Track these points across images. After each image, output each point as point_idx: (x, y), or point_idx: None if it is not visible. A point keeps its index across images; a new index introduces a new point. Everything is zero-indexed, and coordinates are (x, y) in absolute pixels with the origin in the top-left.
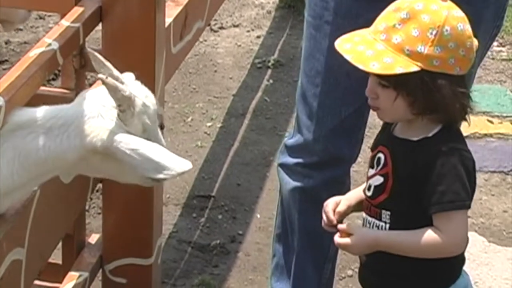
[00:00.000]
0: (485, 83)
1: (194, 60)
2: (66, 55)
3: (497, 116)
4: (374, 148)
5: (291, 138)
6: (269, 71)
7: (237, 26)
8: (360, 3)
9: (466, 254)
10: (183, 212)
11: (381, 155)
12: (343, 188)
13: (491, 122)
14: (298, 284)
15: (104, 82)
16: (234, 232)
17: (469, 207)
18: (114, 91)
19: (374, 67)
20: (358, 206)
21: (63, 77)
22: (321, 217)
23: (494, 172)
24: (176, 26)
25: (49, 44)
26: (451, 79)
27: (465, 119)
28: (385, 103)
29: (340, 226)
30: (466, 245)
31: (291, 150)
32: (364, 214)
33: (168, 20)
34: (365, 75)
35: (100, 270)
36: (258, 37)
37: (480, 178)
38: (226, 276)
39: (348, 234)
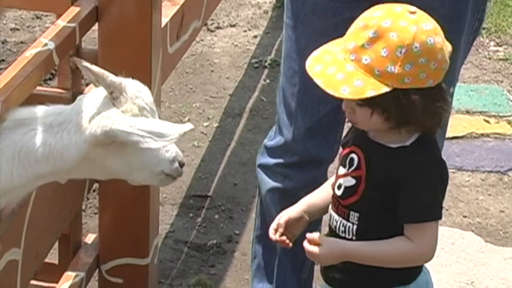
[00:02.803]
0: (482, 83)
1: (191, 60)
2: (63, 55)
3: (494, 116)
4: (345, 145)
5: (271, 140)
6: (266, 71)
7: (234, 26)
8: (336, 2)
9: (463, 254)
10: (179, 212)
11: (354, 156)
12: None
13: (488, 122)
14: (280, 284)
15: (89, 69)
16: (230, 232)
17: (441, 217)
18: (101, 78)
19: (345, 92)
20: (320, 212)
21: (59, 77)
22: None
23: (491, 172)
24: (173, 26)
25: (45, 44)
26: (424, 93)
27: (440, 127)
28: (361, 118)
29: (308, 235)
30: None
31: (271, 151)
32: (331, 211)
33: (165, 20)
34: None
35: (97, 270)
36: (255, 36)
37: (477, 178)
38: (223, 276)
39: (317, 243)
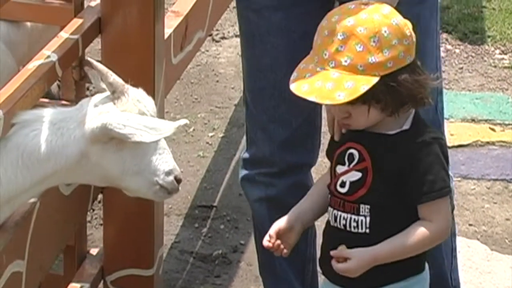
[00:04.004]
0: (487, 91)
1: (196, 70)
2: (65, 66)
3: (499, 124)
4: (336, 146)
5: (246, 152)
6: None
7: (238, 36)
8: (289, 19)
9: (469, 262)
10: (185, 222)
11: (353, 151)
12: (306, 191)
13: (493, 130)
14: None
15: (94, 66)
16: (236, 242)
17: (451, 191)
18: (105, 75)
19: (340, 97)
20: (313, 218)
21: (63, 88)
22: None
23: (496, 180)
24: (177, 37)
25: (48, 56)
26: (407, 69)
27: (431, 99)
28: (359, 118)
29: (334, 253)
30: None
31: (250, 163)
32: (334, 212)
33: (168, 30)
34: None
35: (102, 281)
36: None
37: (482, 186)
38: (228, 287)
39: (345, 258)
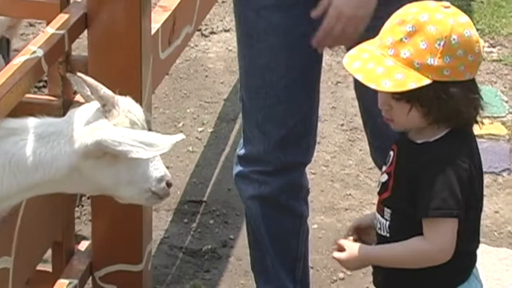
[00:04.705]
0: None
1: (185, 65)
2: (51, 62)
3: (488, 117)
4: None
5: (241, 149)
6: None
7: (228, 30)
8: (289, 19)
9: None
10: (174, 217)
11: (391, 152)
12: (300, 190)
13: (482, 123)
14: (276, 285)
15: (83, 80)
16: (225, 236)
17: (457, 216)
18: (95, 89)
19: (386, 85)
20: None
21: (50, 84)
22: (284, 220)
23: (485, 172)
24: (164, 32)
25: (34, 52)
26: (463, 85)
27: (477, 122)
28: (399, 115)
29: (338, 241)
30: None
31: (245, 161)
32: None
33: (156, 25)
34: (306, 86)
35: (90, 277)
36: None
37: None
38: (218, 281)
39: (342, 249)
